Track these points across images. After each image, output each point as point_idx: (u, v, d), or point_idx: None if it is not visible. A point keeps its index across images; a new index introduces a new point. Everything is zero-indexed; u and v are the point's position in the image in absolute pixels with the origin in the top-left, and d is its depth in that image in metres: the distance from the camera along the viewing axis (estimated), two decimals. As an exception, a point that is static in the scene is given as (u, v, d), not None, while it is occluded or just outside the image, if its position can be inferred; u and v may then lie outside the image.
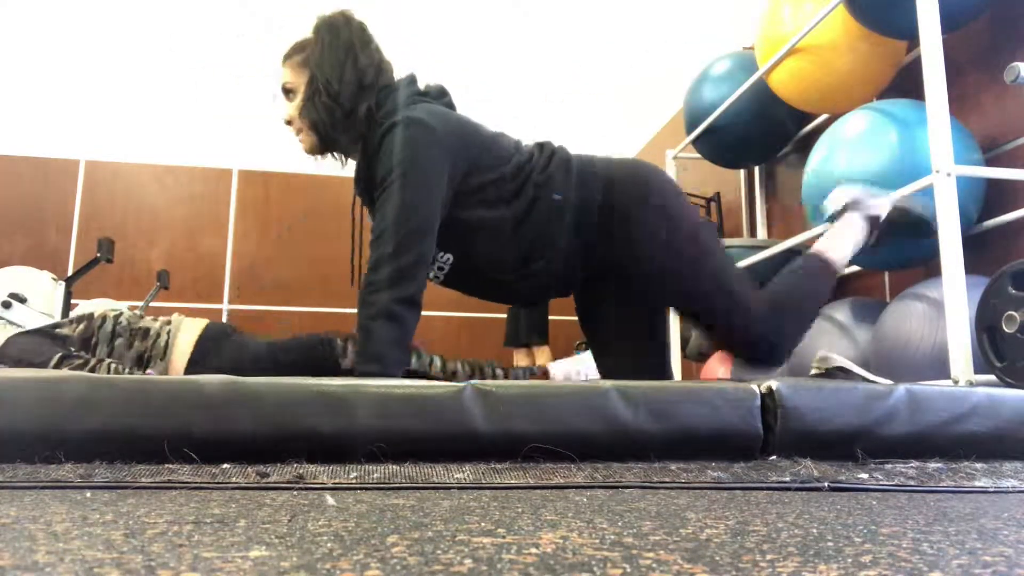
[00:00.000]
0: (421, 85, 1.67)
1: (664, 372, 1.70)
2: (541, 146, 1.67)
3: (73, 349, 1.74)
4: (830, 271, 1.63)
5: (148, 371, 1.77)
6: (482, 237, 1.58)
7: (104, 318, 1.81)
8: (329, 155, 1.71)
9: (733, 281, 1.58)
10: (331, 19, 1.62)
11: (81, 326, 1.79)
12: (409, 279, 1.44)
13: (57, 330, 1.79)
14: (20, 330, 1.85)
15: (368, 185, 1.61)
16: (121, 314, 1.84)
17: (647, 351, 1.69)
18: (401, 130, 1.50)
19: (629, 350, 1.68)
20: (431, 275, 1.63)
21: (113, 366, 1.70)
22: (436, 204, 1.50)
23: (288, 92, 1.66)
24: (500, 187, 1.57)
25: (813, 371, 1.52)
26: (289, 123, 1.65)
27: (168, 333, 1.81)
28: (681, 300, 1.65)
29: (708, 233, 1.62)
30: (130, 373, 1.72)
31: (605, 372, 1.71)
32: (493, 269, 1.63)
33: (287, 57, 1.67)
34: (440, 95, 1.67)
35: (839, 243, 1.66)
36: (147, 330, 1.81)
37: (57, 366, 1.64)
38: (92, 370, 1.66)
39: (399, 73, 1.68)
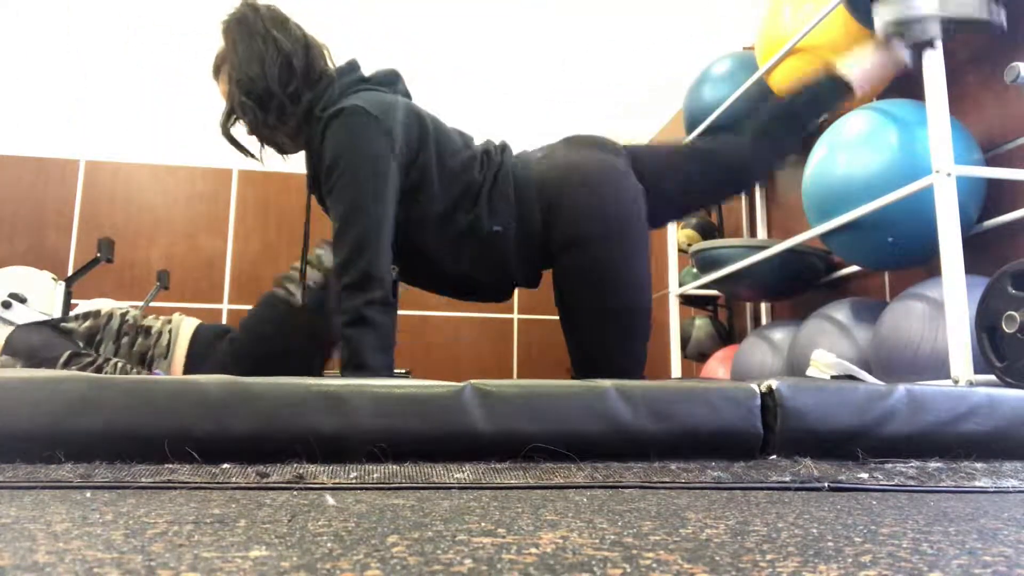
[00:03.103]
0: (368, 71, 1.59)
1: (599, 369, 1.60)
2: (488, 155, 1.59)
3: (81, 344, 1.74)
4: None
5: (156, 371, 1.77)
6: (422, 249, 1.54)
7: (111, 316, 1.81)
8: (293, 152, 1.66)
9: (638, 340, 1.55)
10: (235, 15, 1.53)
11: (88, 322, 1.79)
12: (375, 279, 1.40)
13: (63, 324, 1.80)
14: (25, 323, 1.85)
15: (316, 182, 1.55)
16: (128, 312, 1.85)
17: (583, 343, 1.61)
18: (339, 122, 1.42)
19: (573, 339, 1.63)
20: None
21: (120, 365, 1.70)
22: (387, 196, 1.44)
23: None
24: (443, 186, 1.51)
25: (817, 372, 1.52)
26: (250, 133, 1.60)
27: (170, 332, 1.81)
28: (586, 322, 1.57)
29: (641, 272, 1.57)
30: (137, 373, 1.72)
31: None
32: (440, 280, 1.61)
33: (215, 73, 1.61)
34: (389, 82, 1.58)
35: None
36: (148, 328, 1.81)
37: (67, 363, 1.64)
38: (99, 368, 1.66)
39: (348, 55, 1.59)
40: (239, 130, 1.62)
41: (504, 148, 1.63)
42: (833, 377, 1.50)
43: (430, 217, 1.52)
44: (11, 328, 1.80)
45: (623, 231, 1.55)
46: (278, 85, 1.49)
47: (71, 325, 1.79)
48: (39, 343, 1.69)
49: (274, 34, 1.50)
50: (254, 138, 1.62)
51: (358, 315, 1.38)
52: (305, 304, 1.72)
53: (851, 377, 1.50)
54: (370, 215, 1.42)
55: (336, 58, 1.62)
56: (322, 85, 1.52)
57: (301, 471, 0.85)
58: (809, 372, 1.54)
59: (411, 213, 1.51)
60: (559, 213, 1.54)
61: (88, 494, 0.75)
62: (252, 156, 1.63)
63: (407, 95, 1.62)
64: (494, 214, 1.53)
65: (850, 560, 0.50)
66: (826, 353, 1.55)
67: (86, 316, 1.81)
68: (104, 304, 3.96)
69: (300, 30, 1.56)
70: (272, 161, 1.70)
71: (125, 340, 1.79)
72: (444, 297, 1.75)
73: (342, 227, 1.42)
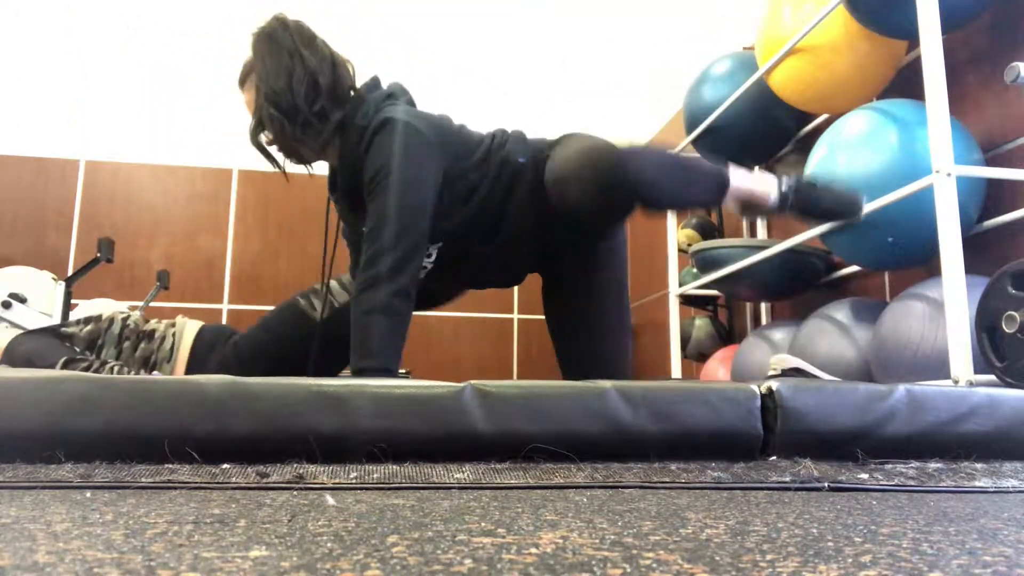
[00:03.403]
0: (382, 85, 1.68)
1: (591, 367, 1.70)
2: (499, 132, 1.70)
3: (79, 349, 1.74)
4: (720, 177, 1.62)
5: (155, 373, 1.78)
6: (461, 222, 1.61)
7: (112, 320, 1.82)
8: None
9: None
10: (265, 29, 1.56)
11: (88, 327, 1.79)
12: (404, 272, 1.44)
13: (63, 329, 1.80)
14: (25, 330, 1.85)
15: (348, 191, 1.61)
16: (129, 316, 1.85)
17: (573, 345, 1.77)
18: (387, 131, 1.50)
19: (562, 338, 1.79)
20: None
21: (117, 369, 1.70)
22: (430, 200, 1.51)
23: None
24: (473, 174, 1.60)
25: (770, 372, 1.55)
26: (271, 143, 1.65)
27: (173, 336, 1.81)
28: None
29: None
30: (136, 375, 1.72)
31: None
32: (471, 247, 1.66)
33: (241, 83, 1.65)
34: (403, 94, 1.67)
35: (744, 175, 1.67)
36: (152, 332, 1.81)
37: (63, 369, 1.64)
38: (96, 372, 1.66)
39: (362, 70, 1.66)
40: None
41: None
42: (784, 372, 1.54)
43: (462, 202, 1.61)
44: (11, 329, 1.81)
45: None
46: (304, 102, 1.53)
47: (72, 330, 1.79)
48: (36, 350, 1.69)
49: (302, 51, 1.54)
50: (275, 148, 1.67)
51: (385, 303, 1.41)
52: (322, 320, 1.74)
53: (798, 370, 1.53)
54: (415, 213, 1.48)
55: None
56: (354, 101, 1.58)
57: (301, 471, 0.85)
58: (769, 374, 1.58)
59: (446, 207, 1.58)
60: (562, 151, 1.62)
61: (88, 494, 0.75)
62: (279, 167, 1.66)
63: (414, 104, 1.68)
64: (513, 152, 1.63)
65: (850, 560, 0.50)
66: (780, 356, 1.60)
67: (87, 320, 1.81)
68: (104, 304, 3.96)
69: (327, 48, 1.60)
70: (289, 166, 1.71)
71: (127, 344, 1.79)
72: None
73: (382, 224, 1.46)
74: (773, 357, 1.61)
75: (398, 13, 3.64)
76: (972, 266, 1.78)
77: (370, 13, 3.60)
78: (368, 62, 1.69)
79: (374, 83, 1.64)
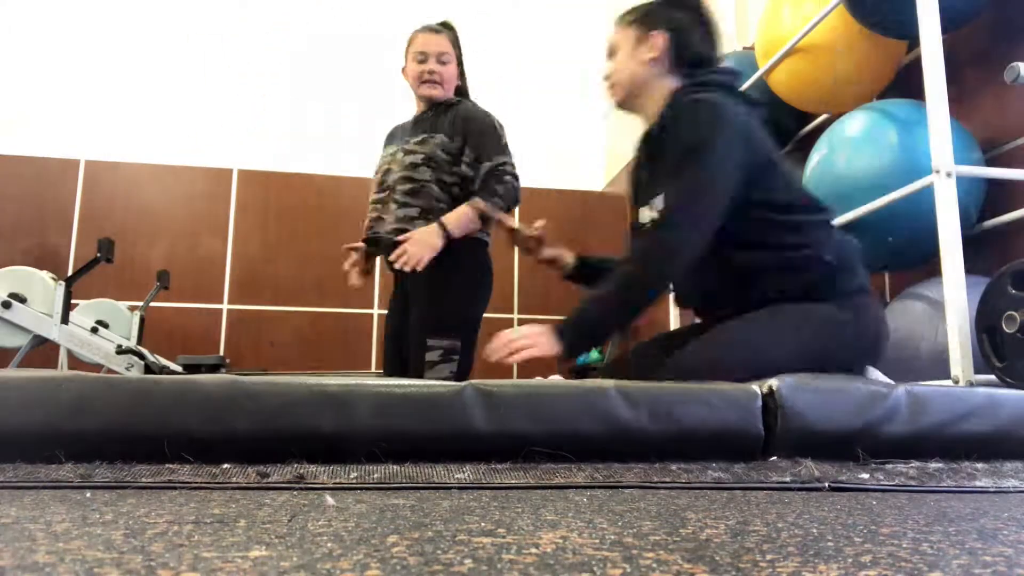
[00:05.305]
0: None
1: None
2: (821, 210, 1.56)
3: None
4: None
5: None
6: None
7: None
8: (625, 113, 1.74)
9: None
10: None
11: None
12: (701, 229, 1.41)
13: None
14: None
15: (651, 152, 1.65)
16: None
17: None
18: (709, 108, 1.47)
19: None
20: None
21: None
22: (728, 188, 1.44)
23: (611, 52, 1.67)
24: (771, 213, 1.48)
25: None
26: (607, 78, 1.69)
27: None
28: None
29: None
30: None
31: None
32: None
33: (622, 17, 1.68)
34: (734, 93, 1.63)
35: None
36: None
37: None
38: None
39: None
40: None
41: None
42: None
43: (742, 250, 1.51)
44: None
45: None
46: (693, 51, 1.58)
47: None
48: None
49: (706, 15, 1.60)
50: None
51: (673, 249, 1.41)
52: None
53: None
54: (713, 197, 1.44)
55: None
56: (697, 73, 1.58)
57: (301, 471, 0.85)
58: None
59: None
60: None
61: (88, 494, 0.75)
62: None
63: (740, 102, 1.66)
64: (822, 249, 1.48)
65: (850, 560, 0.50)
66: None
67: None
68: (104, 304, 3.96)
69: (718, 29, 1.64)
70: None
71: None
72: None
73: (682, 199, 1.45)
74: None
75: (391, 13, 3.64)
76: (972, 266, 1.78)
77: (370, 13, 3.60)
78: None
79: (724, 71, 1.62)
